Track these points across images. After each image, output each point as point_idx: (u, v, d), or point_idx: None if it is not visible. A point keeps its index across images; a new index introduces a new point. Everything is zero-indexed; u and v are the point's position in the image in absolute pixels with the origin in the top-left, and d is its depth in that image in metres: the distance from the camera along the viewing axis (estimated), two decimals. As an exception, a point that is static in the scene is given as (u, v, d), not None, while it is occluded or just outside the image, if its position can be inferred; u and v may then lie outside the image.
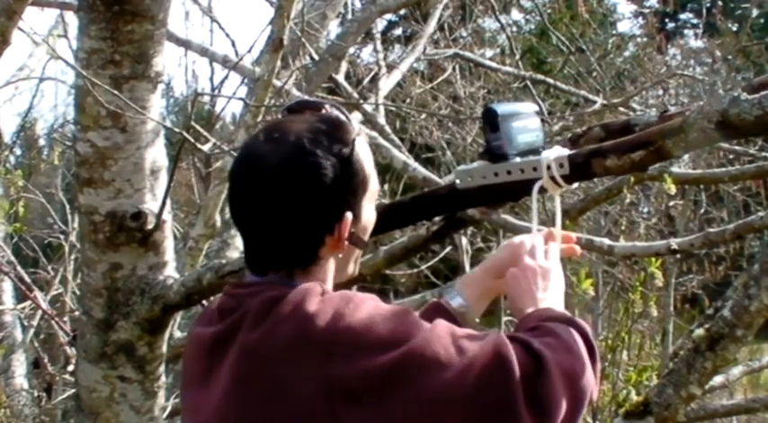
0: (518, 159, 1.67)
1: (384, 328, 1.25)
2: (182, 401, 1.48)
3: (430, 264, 7.48)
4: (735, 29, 10.77)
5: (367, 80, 6.20)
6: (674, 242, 3.53)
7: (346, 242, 1.37)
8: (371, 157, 1.42)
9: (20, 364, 5.26)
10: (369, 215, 1.41)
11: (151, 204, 2.59)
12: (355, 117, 1.50)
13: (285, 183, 1.31)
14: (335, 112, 1.43)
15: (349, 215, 1.35)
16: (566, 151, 1.67)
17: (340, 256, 1.39)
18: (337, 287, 1.40)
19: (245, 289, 1.37)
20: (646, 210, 8.86)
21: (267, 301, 1.30)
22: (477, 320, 1.63)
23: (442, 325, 1.29)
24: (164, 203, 2.58)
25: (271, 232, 1.34)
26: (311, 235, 1.35)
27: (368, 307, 1.28)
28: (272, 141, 1.34)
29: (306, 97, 1.60)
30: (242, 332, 1.30)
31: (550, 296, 1.47)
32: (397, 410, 1.22)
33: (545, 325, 1.37)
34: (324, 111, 1.43)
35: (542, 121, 1.72)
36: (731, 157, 6.60)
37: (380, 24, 7.76)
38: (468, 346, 1.26)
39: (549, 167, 1.64)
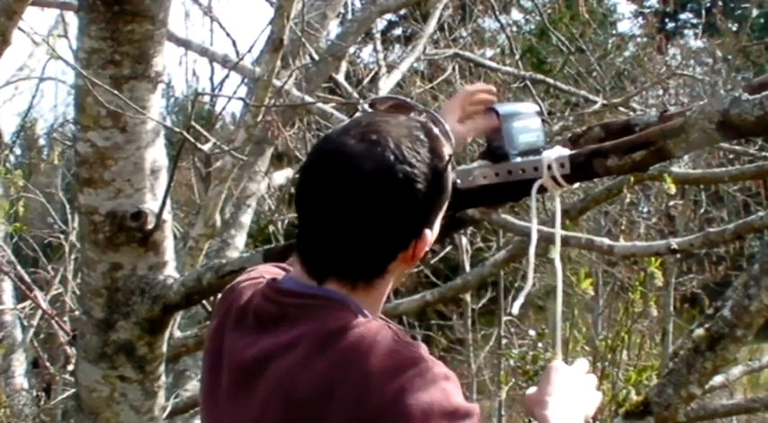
0: (519, 159, 1.67)
1: None
2: (203, 402, 1.39)
3: (430, 263, 7.48)
4: (735, 29, 10.77)
5: (367, 80, 6.20)
6: (674, 242, 3.53)
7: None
8: None
9: (20, 364, 5.27)
10: (437, 229, 1.32)
11: (151, 204, 2.59)
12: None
13: (376, 190, 1.22)
14: (425, 120, 1.34)
15: (428, 233, 1.27)
16: (567, 151, 1.67)
17: (406, 271, 1.31)
18: None
19: (293, 298, 1.27)
20: (646, 210, 8.87)
21: (325, 335, 1.21)
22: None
23: None
24: (164, 203, 2.58)
25: (344, 237, 1.23)
26: (387, 248, 1.25)
27: (437, 390, 1.18)
28: (369, 142, 1.23)
29: (399, 97, 1.49)
30: (288, 362, 1.22)
31: (564, 406, 1.37)
32: None
33: None
34: (414, 114, 1.35)
35: (543, 121, 1.72)
36: (731, 157, 6.61)
37: (380, 24, 7.76)
38: None
39: (549, 167, 1.64)
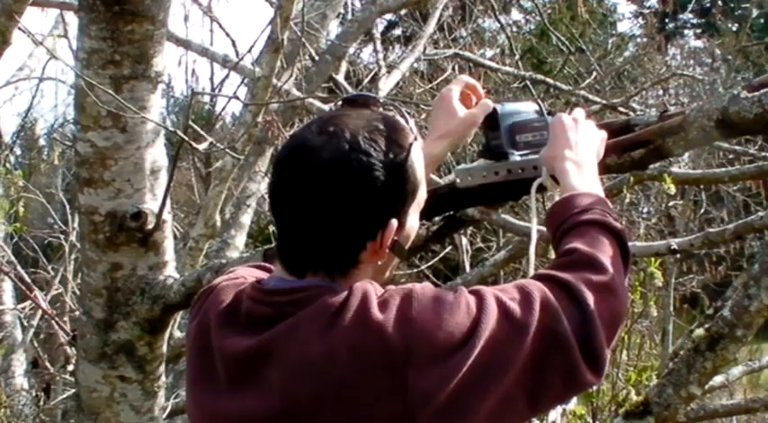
0: (518, 158, 1.67)
1: (452, 325, 1.21)
2: (193, 406, 1.38)
3: (430, 264, 7.48)
4: (735, 29, 10.77)
5: (367, 80, 6.20)
6: (674, 242, 3.53)
7: (387, 250, 1.30)
8: (423, 164, 1.35)
9: (20, 364, 5.27)
10: (413, 223, 1.34)
11: (151, 204, 2.59)
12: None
13: (333, 179, 1.24)
14: (394, 113, 1.37)
15: (394, 223, 1.28)
16: (566, 150, 1.67)
17: (380, 263, 1.32)
18: None
19: (283, 296, 1.29)
20: (646, 210, 8.87)
21: (324, 312, 1.24)
22: None
23: (490, 299, 1.26)
24: (164, 203, 2.58)
25: (311, 229, 1.27)
26: (353, 238, 1.28)
27: (430, 302, 1.23)
28: (327, 134, 1.27)
29: (365, 92, 1.55)
30: (294, 345, 1.23)
31: (582, 154, 1.52)
32: (477, 409, 1.22)
33: (581, 248, 1.35)
34: (382, 108, 1.38)
35: (548, 118, 1.72)
36: (731, 156, 6.61)
37: (380, 24, 7.76)
38: (519, 318, 1.25)
39: (549, 166, 1.64)
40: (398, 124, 1.32)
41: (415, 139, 1.33)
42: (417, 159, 1.32)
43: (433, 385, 1.19)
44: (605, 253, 1.35)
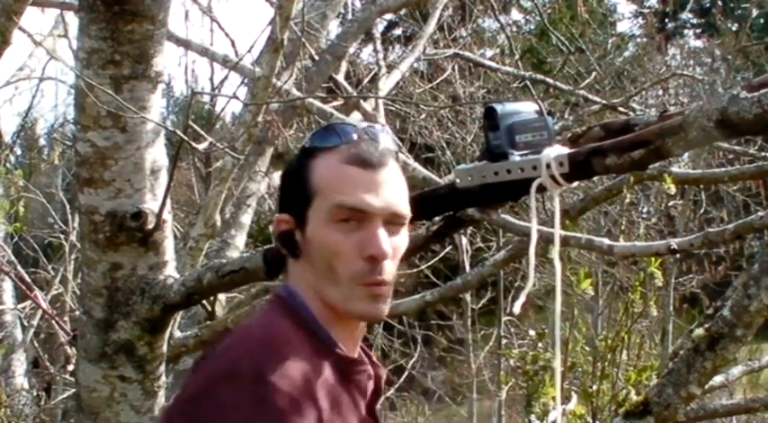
0: (518, 158, 1.67)
1: None
2: None
3: (430, 264, 7.49)
4: (735, 29, 10.77)
5: (367, 80, 6.20)
6: (674, 242, 3.52)
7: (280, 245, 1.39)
8: (338, 176, 1.34)
9: (20, 364, 5.27)
10: (318, 232, 1.33)
11: (151, 204, 2.59)
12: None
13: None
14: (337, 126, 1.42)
15: (282, 216, 1.38)
16: (566, 150, 1.67)
17: (298, 264, 1.37)
18: None
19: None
20: (645, 210, 8.88)
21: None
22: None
23: None
24: (164, 203, 2.58)
25: None
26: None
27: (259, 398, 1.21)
28: None
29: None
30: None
31: None
32: None
33: None
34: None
35: (548, 118, 1.72)
36: (731, 156, 6.61)
37: (380, 24, 7.77)
38: None
39: (548, 166, 1.64)
40: (312, 137, 1.39)
41: (320, 150, 1.35)
42: (321, 169, 1.34)
43: None
44: None
